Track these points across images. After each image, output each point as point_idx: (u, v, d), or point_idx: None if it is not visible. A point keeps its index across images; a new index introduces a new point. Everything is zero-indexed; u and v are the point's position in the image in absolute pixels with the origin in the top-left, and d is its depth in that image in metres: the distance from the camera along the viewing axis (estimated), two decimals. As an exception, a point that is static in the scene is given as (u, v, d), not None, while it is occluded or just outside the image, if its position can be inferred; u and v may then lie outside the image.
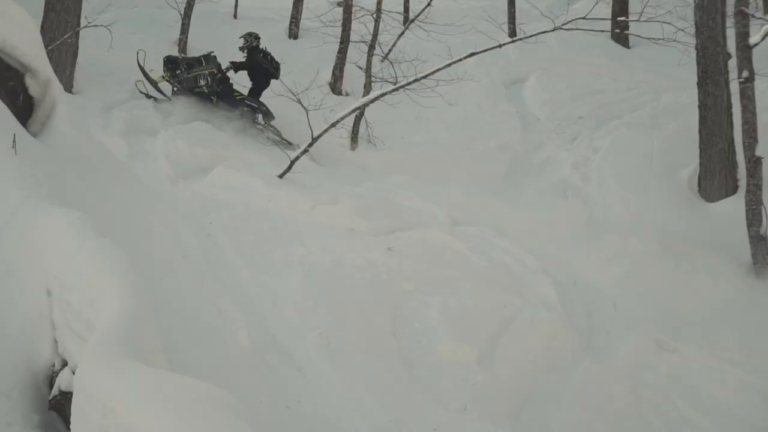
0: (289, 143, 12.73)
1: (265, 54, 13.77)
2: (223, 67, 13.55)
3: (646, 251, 10.15)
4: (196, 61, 13.50)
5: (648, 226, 10.78)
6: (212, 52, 13.79)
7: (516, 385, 7.82)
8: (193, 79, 13.24)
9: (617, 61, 17.22)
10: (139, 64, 13.31)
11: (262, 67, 13.60)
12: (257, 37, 13.84)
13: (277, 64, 13.83)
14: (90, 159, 7.68)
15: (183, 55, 14.67)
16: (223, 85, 13.44)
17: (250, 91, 13.57)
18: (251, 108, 13.28)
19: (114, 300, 4.33)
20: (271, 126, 13.26)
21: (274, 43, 16.49)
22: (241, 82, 13.62)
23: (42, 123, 7.99)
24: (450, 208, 10.68)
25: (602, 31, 14.14)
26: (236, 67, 13.65)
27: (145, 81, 13.22)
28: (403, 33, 15.54)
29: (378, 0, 14.74)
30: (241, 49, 13.76)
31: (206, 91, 13.24)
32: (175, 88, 13.36)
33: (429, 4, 15.42)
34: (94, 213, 5.77)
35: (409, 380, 7.49)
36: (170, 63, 13.36)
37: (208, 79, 13.27)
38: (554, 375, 8.05)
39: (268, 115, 13.09)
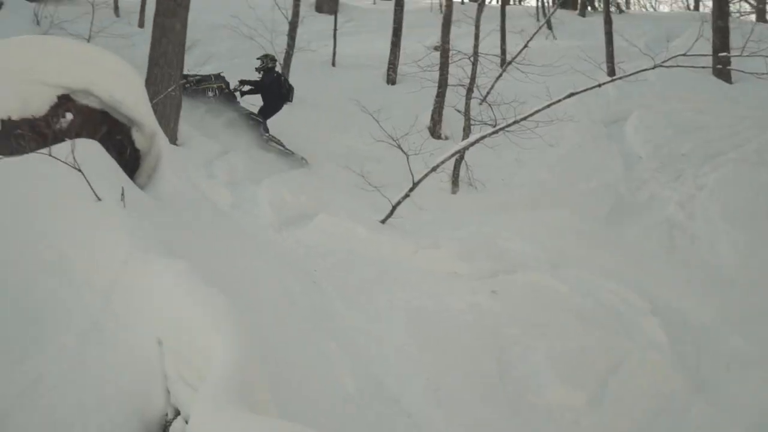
0: (292, 153, 13.57)
1: (279, 76, 14.57)
2: (232, 86, 14.39)
3: (757, 291, 9.90)
4: (206, 78, 14.47)
5: (758, 266, 10.52)
6: (222, 72, 14.79)
7: (627, 428, 7.67)
8: (201, 90, 14.20)
9: (719, 96, 16.94)
10: None
11: (273, 88, 14.32)
12: (273, 59, 14.67)
13: (290, 87, 14.57)
14: (196, 209, 7.82)
15: (196, 73, 15.46)
16: (230, 99, 14.29)
17: (260, 110, 14.30)
18: (256, 120, 14.11)
19: (223, 349, 4.38)
20: (273, 137, 13.99)
21: (372, 89, 16.69)
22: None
23: (148, 175, 8.17)
24: (553, 250, 10.57)
25: (703, 67, 13.90)
26: (246, 84, 14.46)
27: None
28: (500, 75, 15.52)
29: (475, 43, 14.78)
30: (257, 69, 14.45)
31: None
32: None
33: (526, 46, 15.37)
34: (201, 262, 5.85)
35: (518, 425, 7.41)
36: (182, 77, 14.09)
37: (216, 92, 14.20)
38: (666, 417, 7.88)
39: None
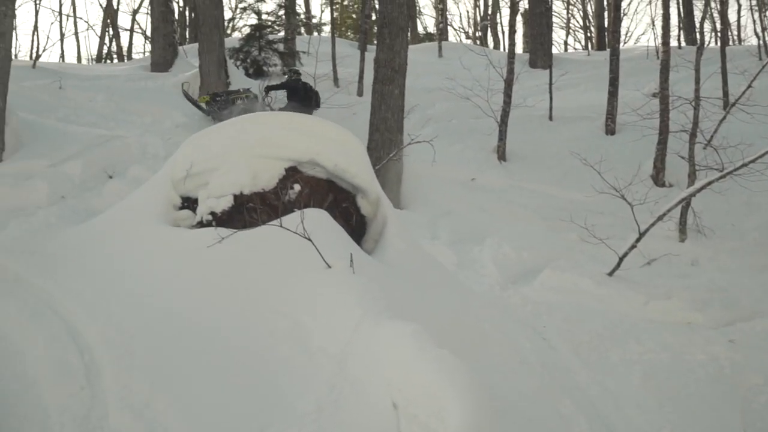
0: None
1: (304, 84, 16.72)
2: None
3: None
4: (236, 92, 16.87)
5: None
6: (249, 88, 17.33)
7: None
8: (231, 100, 16.48)
9: None
10: (183, 91, 17.76)
11: (296, 91, 16.44)
12: (297, 72, 17.51)
13: (315, 92, 16.67)
14: (422, 271, 7.94)
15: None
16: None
17: (286, 106, 16.08)
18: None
19: (459, 410, 4.42)
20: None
21: (591, 140, 16.55)
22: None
23: (375, 240, 8.39)
24: (791, 296, 10.07)
25: None
26: (272, 88, 16.66)
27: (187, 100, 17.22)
28: (724, 118, 15.07)
29: (695, 87, 14.40)
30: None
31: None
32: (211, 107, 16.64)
33: (750, 86, 14.89)
34: (430, 324, 5.91)
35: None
36: (214, 95, 16.74)
37: (245, 99, 16.58)
38: None
39: None
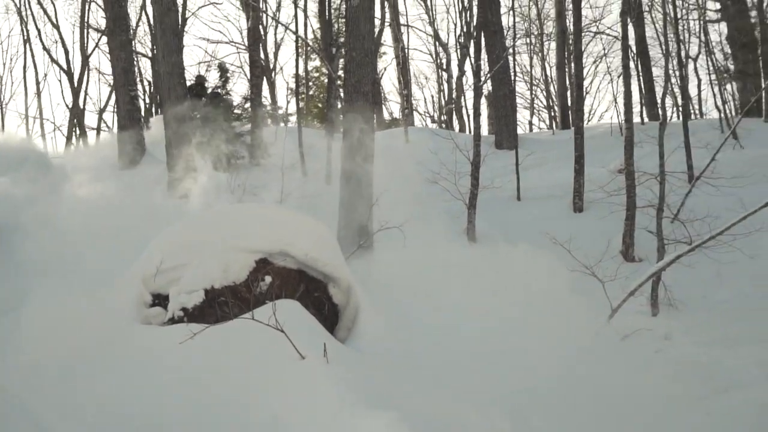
0: None
1: None
2: None
3: None
4: None
5: None
6: None
7: None
8: None
9: None
10: None
11: None
12: None
13: None
14: (397, 356, 7.93)
15: None
16: None
17: None
18: None
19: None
20: None
21: (559, 218, 16.69)
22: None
23: (348, 328, 8.41)
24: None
25: None
26: None
27: None
28: (689, 191, 15.28)
29: (660, 162, 14.61)
30: None
31: None
32: None
33: (713, 159, 15.15)
34: (409, 410, 5.91)
35: None
36: None
37: None
38: None
39: None
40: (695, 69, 32.88)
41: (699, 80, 32.89)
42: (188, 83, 22.52)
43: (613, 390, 9.44)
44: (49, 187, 18.49)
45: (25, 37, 36.51)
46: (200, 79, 26.44)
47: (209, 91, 26.58)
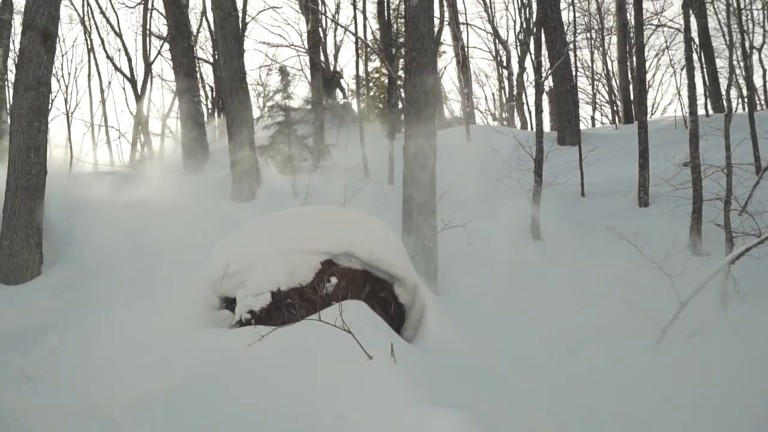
0: None
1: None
2: None
3: None
4: None
5: None
6: None
7: None
8: None
9: None
10: None
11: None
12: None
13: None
14: (463, 356, 7.91)
15: None
16: None
17: None
18: None
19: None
20: None
21: (625, 213, 16.49)
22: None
23: (414, 328, 8.39)
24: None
25: None
26: None
27: None
28: (758, 183, 15.02)
29: (726, 154, 14.40)
30: None
31: None
32: None
33: (780, 149, 14.90)
34: (477, 410, 5.89)
35: None
36: None
37: None
38: None
39: None
40: (759, 59, 32.35)
41: (764, 70, 32.15)
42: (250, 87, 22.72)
43: (685, 388, 9.32)
44: (124, 195, 18.79)
45: (89, 47, 36.88)
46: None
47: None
